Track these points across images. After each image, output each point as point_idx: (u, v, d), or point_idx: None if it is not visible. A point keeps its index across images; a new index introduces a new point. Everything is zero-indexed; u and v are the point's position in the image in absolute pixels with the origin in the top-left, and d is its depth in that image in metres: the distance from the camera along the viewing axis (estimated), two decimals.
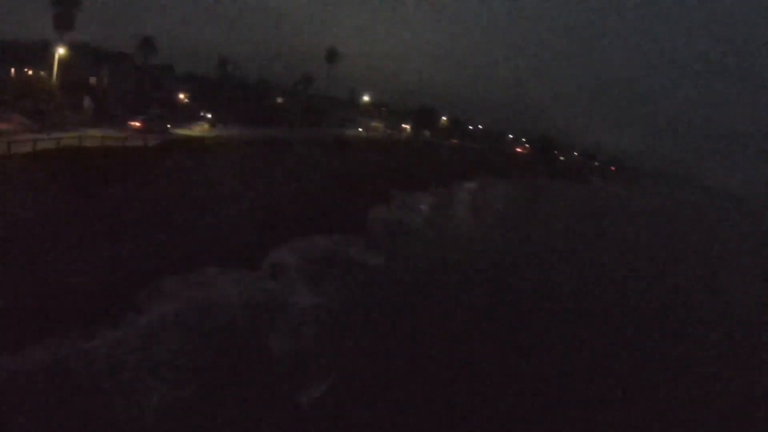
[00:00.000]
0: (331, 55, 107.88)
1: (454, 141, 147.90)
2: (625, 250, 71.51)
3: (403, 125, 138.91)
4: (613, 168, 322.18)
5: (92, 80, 58.94)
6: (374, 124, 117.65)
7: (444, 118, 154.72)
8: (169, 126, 54.55)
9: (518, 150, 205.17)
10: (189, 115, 71.96)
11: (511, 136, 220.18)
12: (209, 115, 66.57)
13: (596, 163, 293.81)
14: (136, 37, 75.12)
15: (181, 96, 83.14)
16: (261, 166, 44.64)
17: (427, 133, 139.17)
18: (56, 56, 40.89)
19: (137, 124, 49.66)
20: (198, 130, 57.24)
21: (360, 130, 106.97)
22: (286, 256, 35.65)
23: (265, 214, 38.50)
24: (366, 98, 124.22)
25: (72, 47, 57.01)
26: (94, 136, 35.14)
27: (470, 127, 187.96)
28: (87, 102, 48.03)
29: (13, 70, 52.28)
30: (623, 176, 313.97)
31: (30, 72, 52.46)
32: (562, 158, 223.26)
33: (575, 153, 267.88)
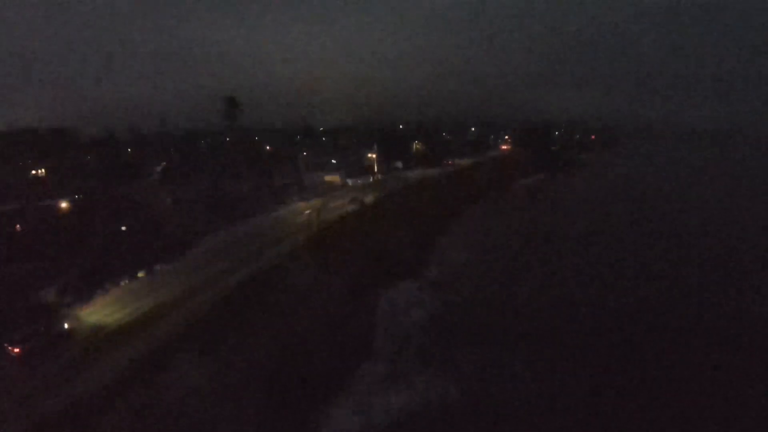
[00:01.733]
0: (231, 106, 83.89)
1: (449, 162, 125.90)
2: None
3: (370, 154, 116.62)
4: (593, 137, 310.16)
5: None
6: (328, 178, 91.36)
7: (417, 143, 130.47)
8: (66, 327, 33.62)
9: (503, 148, 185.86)
10: None
11: (492, 136, 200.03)
12: None
13: (577, 136, 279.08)
14: None
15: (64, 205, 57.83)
16: None
17: (399, 164, 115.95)
18: None
19: (16, 350, 30.45)
20: None
21: (305, 208, 69.91)
22: None
23: None
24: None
25: None
26: None
27: (447, 137, 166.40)
28: None
29: None
30: (605, 141, 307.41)
31: None
32: (553, 148, 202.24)
33: (556, 132, 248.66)
